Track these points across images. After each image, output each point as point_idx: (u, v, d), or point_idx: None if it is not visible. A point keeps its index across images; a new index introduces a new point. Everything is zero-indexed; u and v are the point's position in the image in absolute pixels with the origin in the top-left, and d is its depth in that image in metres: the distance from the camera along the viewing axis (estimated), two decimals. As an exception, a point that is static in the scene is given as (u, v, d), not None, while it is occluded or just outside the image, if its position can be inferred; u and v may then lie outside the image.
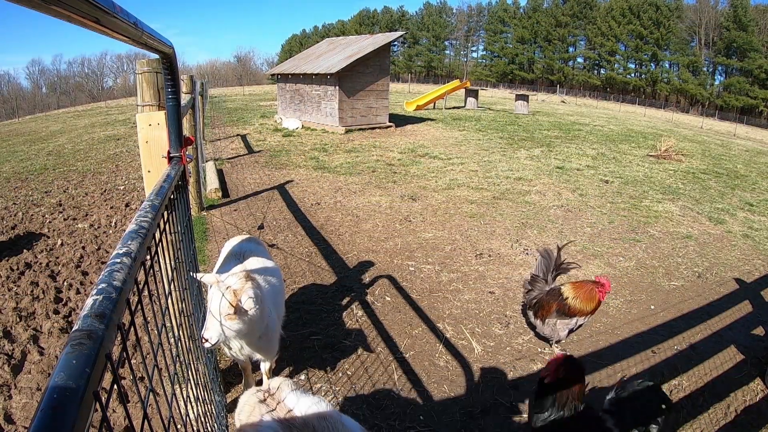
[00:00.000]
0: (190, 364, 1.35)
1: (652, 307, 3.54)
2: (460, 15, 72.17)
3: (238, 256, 2.27)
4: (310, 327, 3.06)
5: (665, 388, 2.62)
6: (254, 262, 2.25)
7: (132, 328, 0.73)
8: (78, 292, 3.46)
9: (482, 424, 2.29)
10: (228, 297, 1.71)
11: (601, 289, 2.73)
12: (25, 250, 4.18)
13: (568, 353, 1.96)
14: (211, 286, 1.79)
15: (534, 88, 57.94)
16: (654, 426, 1.81)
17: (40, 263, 3.92)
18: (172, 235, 1.40)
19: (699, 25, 52.75)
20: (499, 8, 67.93)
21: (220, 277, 1.79)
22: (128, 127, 13.56)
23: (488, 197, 6.18)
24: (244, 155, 8.84)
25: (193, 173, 5.08)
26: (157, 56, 1.43)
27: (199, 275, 1.79)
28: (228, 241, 2.57)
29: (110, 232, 4.76)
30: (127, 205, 5.63)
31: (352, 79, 11.47)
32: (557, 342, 2.94)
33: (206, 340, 1.70)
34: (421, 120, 14.89)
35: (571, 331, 2.88)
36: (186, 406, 1.38)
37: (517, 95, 20.01)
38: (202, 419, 1.42)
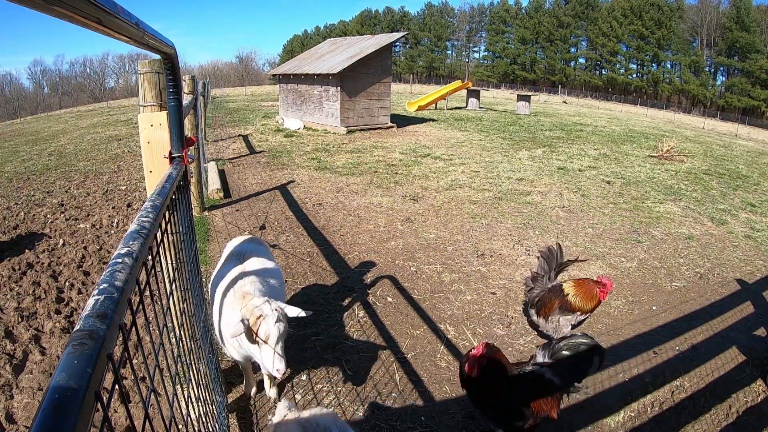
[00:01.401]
0: (191, 364, 1.35)
1: (654, 307, 3.53)
2: (462, 15, 72.19)
3: (239, 256, 2.28)
4: (312, 327, 3.06)
5: (666, 388, 2.61)
6: (254, 263, 2.25)
7: (133, 328, 0.73)
8: (80, 292, 3.47)
9: (483, 425, 2.28)
10: (284, 320, 1.86)
11: (603, 288, 2.73)
12: (26, 250, 4.19)
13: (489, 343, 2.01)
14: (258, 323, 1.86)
15: (535, 88, 57.91)
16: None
17: (42, 263, 3.93)
18: (174, 235, 1.40)
19: (701, 26, 52.66)
20: (501, 8, 67.91)
21: (256, 312, 1.86)
22: (130, 127, 13.59)
23: (490, 198, 6.18)
24: (245, 155, 8.85)
25: (194, 173, 5.08)
26: (158, 57, 1.43)
27: (234, 333, 1.84)
28: (230, 241, 2.57)
29: (112, 232, 4.76)
30: (128, 206, 5.64)
31: (353, 80, 11.48)
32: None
33: (285, 372, 1.89)
34: (422, 120, 14.88)
35: (572, 327, 2.87)
36: (187, 406, 1.38)
37: (518, 96, 19.97)
38: (203, 419, 1.42)
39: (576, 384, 2.06)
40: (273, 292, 2.16)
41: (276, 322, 1.82)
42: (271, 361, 1.83)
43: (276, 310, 1.84)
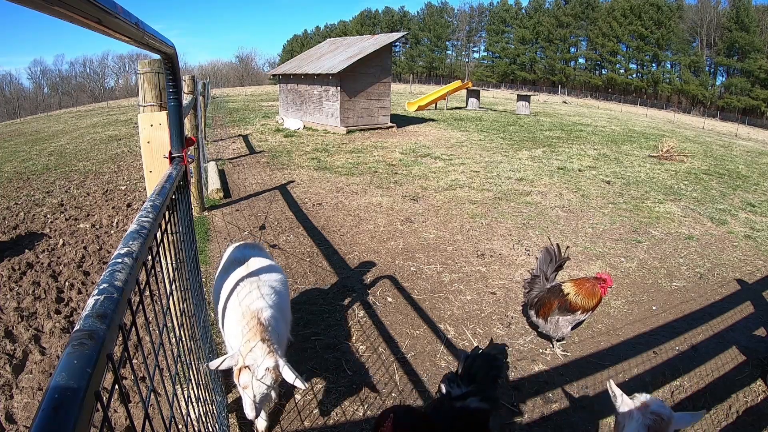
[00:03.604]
0: (191, 364, 1.35)
1: (654, 307, 3.53)
2: (462, 15, 72.23)
3: (241, 261, 2.28)
4: (312, 327, 3.06)
5: (666, 388, 2.61)
6: (257, 262, 2.25)
7: (133, 328, 0.73)
8: (79, 292, 3.47)
9: None
10: (268, 380, 1.76)
11: (603, 284, 2.72)
12: (26, 250, 4.19)
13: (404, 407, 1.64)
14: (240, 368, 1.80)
15: (535, 88, 57.94)
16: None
17: (42, 263, 3.93)
18: (174, 235, 1.40)
19: (700, 26, 52.67)
20: (501, 8, 67.94)
21: (248, 359, 1.78)
22: (130, 127, 13.58)
23: (490, 198, 6.18)
24: (245, 155, 8.85)
25: (194, 173, 5.08)
26: (158, 57, 1.43)
27: (217, 365, 1.79)
28: (229, 247, 2.56)
29: (112, 232, 4.76)
30: (128, 206, 5.64)
31: (353, 80, 11.47)
32: (559, 340, 2.94)
33: (255, 419, 1.82)
34: (422, 120, 14.88)
35: (573, 328, 2.87)
36: (187, 406, 1.38)
37: (518, 96, 19.97)
38: (203, 419, 1.42)
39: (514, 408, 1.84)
40: (279, 297, 2.15)
41: (258, 380, 1.73)
42: (246, 406, 1.78)
43: (268, 370, 1.74)
